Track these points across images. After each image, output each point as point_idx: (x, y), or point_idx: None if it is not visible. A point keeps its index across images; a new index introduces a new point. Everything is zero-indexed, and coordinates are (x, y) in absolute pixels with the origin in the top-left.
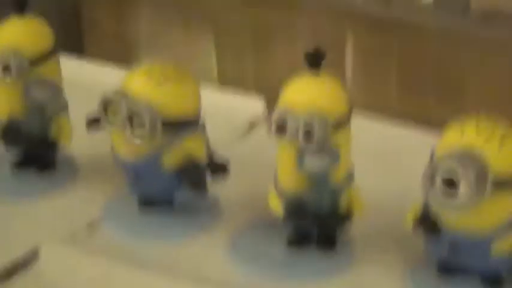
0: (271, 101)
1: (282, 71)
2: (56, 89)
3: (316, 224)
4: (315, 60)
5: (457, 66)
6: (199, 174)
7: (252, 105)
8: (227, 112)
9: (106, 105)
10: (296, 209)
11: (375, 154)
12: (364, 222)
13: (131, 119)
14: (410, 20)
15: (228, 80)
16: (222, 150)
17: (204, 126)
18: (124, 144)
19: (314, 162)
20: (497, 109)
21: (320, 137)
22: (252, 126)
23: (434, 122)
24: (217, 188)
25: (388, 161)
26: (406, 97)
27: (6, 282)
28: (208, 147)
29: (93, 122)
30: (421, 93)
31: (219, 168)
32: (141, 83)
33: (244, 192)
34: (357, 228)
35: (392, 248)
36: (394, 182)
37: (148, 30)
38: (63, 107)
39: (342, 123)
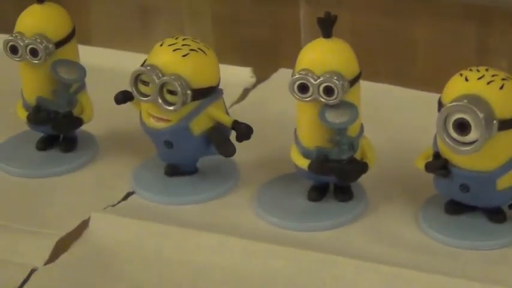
0: None
1: None
2: (80, 68)
3: (337, 174)
4: (327, 25)
5: None
6: (227, 136)
7: (241, 73)
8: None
9: (137, 78)
10: (320, 162)
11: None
12: (374, 170)
13: (162, 89)
14: None
15: None
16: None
17: (222, 92)
18: (155, 114)
19: (336, 116)
20: None
21: (339, 92)
22: (245, 92)
23: None
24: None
25: (379, 115)
26: None
27: (65, 251)
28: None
29: (121, 97)
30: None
31: (244, 129)
32: (169, 56)
33: (259, 152)
34: (369, 176)
35: (402, 192)
36: (385, 133)
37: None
38: (84, 85)
39: (355, 80)
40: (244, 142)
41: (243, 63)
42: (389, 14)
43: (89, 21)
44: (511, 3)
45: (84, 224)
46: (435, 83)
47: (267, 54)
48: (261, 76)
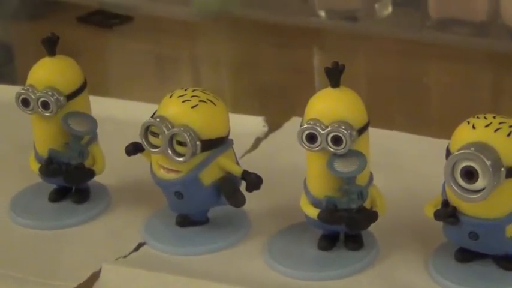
0: None
1: None
2: (91, 120)
3: (346, 223)
4: (334, 74)
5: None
6: (237, 186)
7: (253, 122)
8: (233, 130)
9: (147, 130)
10: (330, 212)
11: (380, 157)
12: (385, 218)
13: (172, 140)
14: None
15: None
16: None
17: (232, 142)
18: (166, 165)
19: (345, 166)
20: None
21: (347, 142)
22: (257, 141)
23: None
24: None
25: (390, 163)
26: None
27: None
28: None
29: (131, 148)
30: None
31: (253, 179)
32: (178, 107)
33: (270, 201)
34: (380, 224)
35: (413, 239)
36: (396, 181)
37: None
38: (96, 137)
39: (363, 129)
40: (255, 191)
41: (257, 109)
42: (405, 59)
43: (103, 70)
44: None
45: (95, 276)
46: (450, 128)
47: (281, 101)
48: (275, 122)
